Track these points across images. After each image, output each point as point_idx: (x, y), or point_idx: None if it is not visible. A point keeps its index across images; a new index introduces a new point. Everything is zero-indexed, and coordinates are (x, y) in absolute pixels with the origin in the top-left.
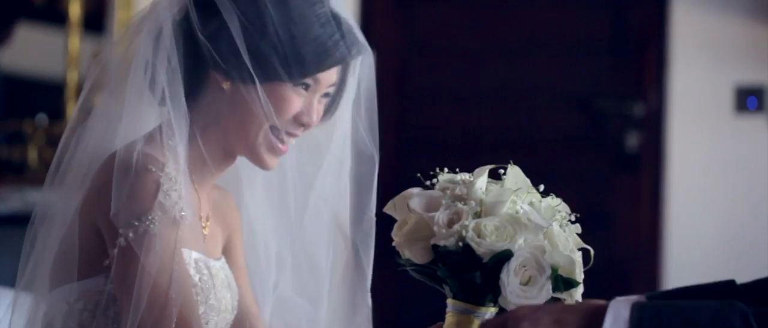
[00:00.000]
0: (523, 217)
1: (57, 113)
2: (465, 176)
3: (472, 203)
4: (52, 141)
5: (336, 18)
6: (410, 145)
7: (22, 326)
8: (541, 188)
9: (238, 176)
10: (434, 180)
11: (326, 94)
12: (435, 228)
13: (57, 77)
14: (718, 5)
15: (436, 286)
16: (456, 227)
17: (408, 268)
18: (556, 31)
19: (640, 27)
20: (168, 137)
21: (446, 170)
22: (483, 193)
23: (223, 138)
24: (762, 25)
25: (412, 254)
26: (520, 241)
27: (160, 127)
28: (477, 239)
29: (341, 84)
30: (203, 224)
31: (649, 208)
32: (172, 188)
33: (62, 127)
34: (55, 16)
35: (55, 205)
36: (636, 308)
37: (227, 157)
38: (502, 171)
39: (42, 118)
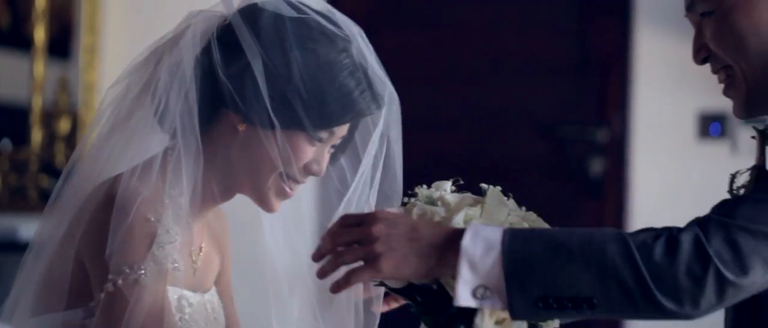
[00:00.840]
0: None
1: (21, 139)
2: (445, 193)
3: None
4: (17, 166)
5: (362, 68)
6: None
7: None
8: (523, 209)
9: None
10: (412, 199)
11: (333, 145)
12: None
13: (21, 102)
14: (681, 31)
15: (412, 302)
16: None
17: (384, 285)
18: (520, 57)
19: (603, 53)
20: (171, 185)
21: (425, 186)
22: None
23: (229, 177)
24: None
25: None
26: None
27: (164, 157)
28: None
29: (349, 136)
30: (193, 259)
31: None
32: (168, 240)
33: (27, 152)
34: (20, 41)
35: (49, 233)
36: (508, 233)
37: (228, 193)
38: (483, 185)
39: (6, 143)
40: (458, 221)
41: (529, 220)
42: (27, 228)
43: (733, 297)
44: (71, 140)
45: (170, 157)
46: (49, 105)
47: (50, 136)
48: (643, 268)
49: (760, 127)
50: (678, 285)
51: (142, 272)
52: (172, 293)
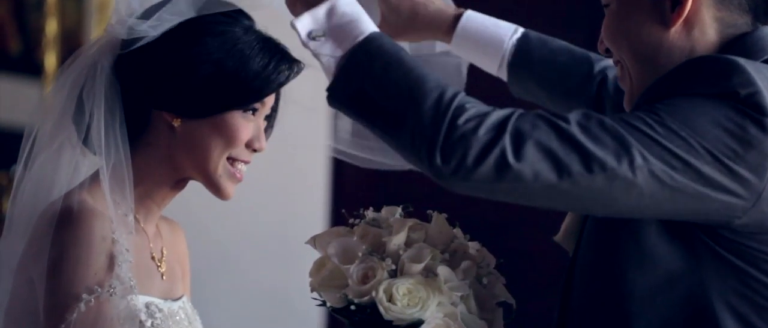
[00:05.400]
0: (439, 281)
1: None
2: (393, 214)
3: (389, 260)
4: None
5: (269, 40)
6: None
7: None
8: (467, 237)
9: None
10: (358, 221)
11: (266, 117)
12: (349, 282)
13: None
14: None
15: (348, 320)
16: (368, 286)
17: (325, 306)
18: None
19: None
20: (117, 205)
21: (371, 208)
22: (401, 249)
23: (175, 172)
24: None
25: (327, 297)
26: (433, 306)
27: (103, 174)
28: (386, 304)
29: (275, 105)
30: (158, 264)
31: None
32: (126, 259)
33: None
34: (31, 67)
35: (5, 257)
36: (377, 34)
37: (176, 188)
38: (430, 212)
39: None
40: (398, 243)
41: (473, 248)
42: None
43: (513, 184)
44: None
45: (107, 175)
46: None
47: None
48: (449, 112)
49: None
50: (468, 135)
51: (114, 289)
52: (140, 300)
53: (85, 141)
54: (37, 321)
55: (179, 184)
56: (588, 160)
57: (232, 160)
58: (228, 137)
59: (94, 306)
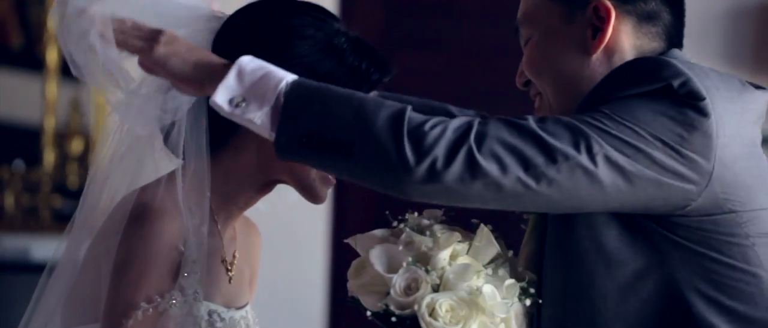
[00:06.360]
0: (482, 300)
1: (34, 159)
2: (435, 222)
3: (434, 274)
4: (29, 187)
5: (360, 41)
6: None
7: None
8: (510, 253)
9: None
10: (401, 225)
11: None
12: (391, 292)
13: (34, 123)
14: None
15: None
16: (411, 298)
17: (361, 309)
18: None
19: None
20: (192, 214)
21: (416, 213)
22: (447, 263)
23: (264, 176)
24: None
25: (365, 302)
26: (474, 326)
27: (179, 177)
28: (428, 319)
29: None
30: (228, 267)
31: None
32: (193, 270)
33: (39, 173)
34: (33, 62)
35: (72, 252)
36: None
37: (262, 192)
38: (475, 221)
39: (18, 164)
40: (445, 257)
41: (513, 265)
42: (39, 248)
43: (484, 181)
44: (84, 161)
45: (182, 181)
46: (62, 126)
47: (63, 157)
48: (405, 123)
49: None
50: (438, 137)
51: (174, 302)
52: (203, 308)
53: (167, 142)
54: (96, 313)
55: (266, 187)
56: (550, 151)
57: None
58: None
59: (152, 315)
